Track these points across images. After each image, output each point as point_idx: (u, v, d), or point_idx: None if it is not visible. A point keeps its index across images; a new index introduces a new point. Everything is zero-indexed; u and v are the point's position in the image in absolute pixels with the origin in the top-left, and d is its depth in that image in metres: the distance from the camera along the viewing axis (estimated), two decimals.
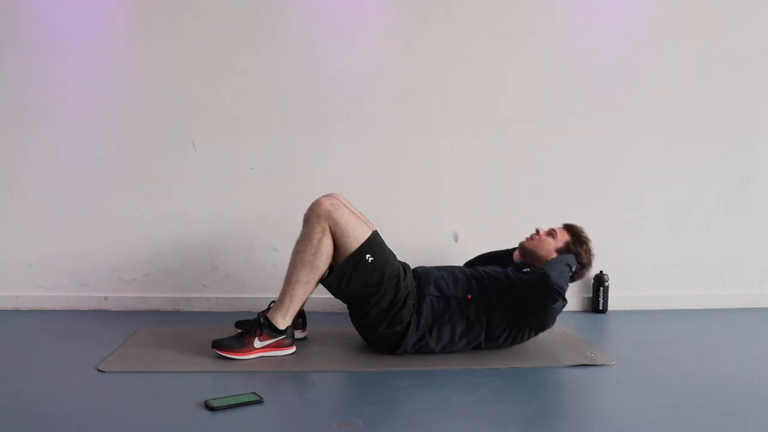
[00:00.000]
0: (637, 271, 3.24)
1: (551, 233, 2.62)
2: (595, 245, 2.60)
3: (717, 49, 3.21)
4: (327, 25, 3.07)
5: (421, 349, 2.42)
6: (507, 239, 3.13)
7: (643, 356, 2.50)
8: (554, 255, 2.55)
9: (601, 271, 3.17)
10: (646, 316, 3.13)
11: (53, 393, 2.03)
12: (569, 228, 2.64)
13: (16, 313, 3.02)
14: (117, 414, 1.87)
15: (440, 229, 3.16)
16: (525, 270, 2.53)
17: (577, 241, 2.60)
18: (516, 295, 2.42)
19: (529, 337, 2.50)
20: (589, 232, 2.58)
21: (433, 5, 3.09)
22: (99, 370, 2.21)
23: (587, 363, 2.36)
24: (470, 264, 2.80)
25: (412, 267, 2.54)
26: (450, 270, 2.53)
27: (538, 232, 2.63)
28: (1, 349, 2.51)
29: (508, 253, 2.73)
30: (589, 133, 3.19)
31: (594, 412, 2.03)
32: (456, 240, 3.16)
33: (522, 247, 2.65)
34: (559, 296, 2.35)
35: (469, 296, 2.43)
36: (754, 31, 3.22)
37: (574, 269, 2.50)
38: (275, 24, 3.06)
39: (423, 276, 2.47)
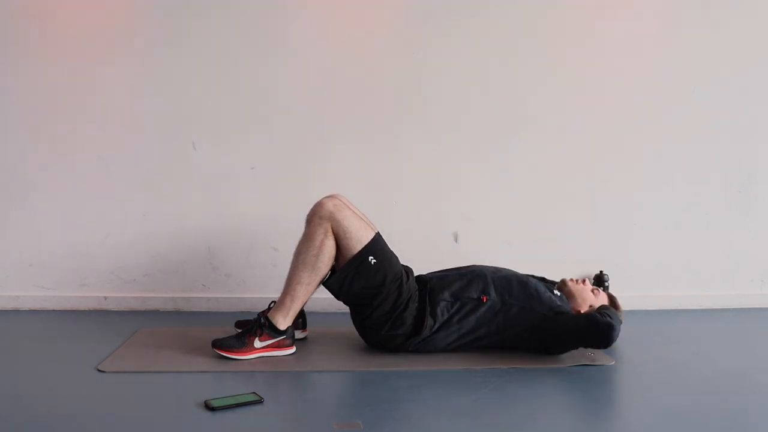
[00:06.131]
0: (637, 271, 3.24)
1: (595, 290, 2.63)
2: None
3: (717, 49, 3.20)
4: (327, 25, 3.07)
5: (425, 347, 2.42)
6: (507, 239, 3.15)
7: (643, 356, 2.49)
8: (587, 308, 2.55)
9: (601, 271, 3.17)
10: (646, 316, 3.13)
11: (53, 393, 2.03)
12: (612, 299, 2.65)
13: (16, 313, 3.02)
14: (117, 414, 1.87)
15: (440, 229, 3.16)
16: (556, 292, 2.52)
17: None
18: (545, 320, 2.41)
19: (534, 351, 2.47)
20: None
21: (434, 5, 3.09)
22: (99, 370, 2.21)
23: (587, 363, 2.36)
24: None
25: (414, 269, 2.53)
26: (463, 271, 2.52)
27: (584, 281, 2.64)
28: (1, 349, 2.50)
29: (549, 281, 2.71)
30: (589, 133, 3.19)
31: (594, 412, 2.03)
32: (456, 240, 3.16)
33: (564, 282, 2.65)
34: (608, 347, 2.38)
35: (484, 298, 2.42)
36: (754, 31, 3.22)
37: None
38: (275, 24, 3.06)
39: (436, 281, 2.46)
